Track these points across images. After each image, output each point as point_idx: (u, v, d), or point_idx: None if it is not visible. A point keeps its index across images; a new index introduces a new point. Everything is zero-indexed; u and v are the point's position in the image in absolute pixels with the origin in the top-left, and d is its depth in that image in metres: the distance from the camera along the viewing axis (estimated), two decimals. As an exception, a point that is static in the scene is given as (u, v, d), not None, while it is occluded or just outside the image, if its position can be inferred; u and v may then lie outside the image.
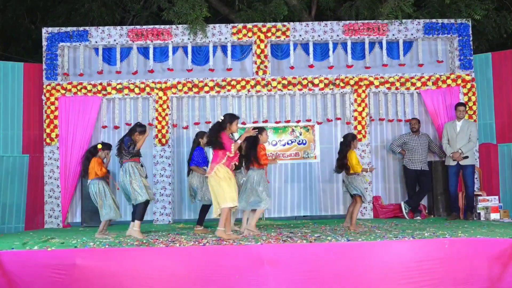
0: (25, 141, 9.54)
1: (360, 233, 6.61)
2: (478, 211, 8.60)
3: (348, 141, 7.56)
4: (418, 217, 9.01)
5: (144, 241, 6.25)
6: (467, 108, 9.18)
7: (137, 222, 6.99)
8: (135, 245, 5.93)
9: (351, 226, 7.37)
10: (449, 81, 9.52)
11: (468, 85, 9.50)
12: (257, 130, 6.83)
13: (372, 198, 9.41)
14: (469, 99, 9.43)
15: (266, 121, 9.55)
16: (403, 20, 9.57)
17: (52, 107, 9.40)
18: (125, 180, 6.99)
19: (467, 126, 8.67)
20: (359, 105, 9.52)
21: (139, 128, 7.18)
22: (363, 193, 7.45)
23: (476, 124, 8.90)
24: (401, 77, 9.55)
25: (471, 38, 9.68)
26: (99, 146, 7.46)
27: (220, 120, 6.67)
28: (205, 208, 7.90)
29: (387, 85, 9.55)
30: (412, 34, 9.66)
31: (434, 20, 9.74)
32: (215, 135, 6.55)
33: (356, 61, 9.80)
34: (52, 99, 9.41)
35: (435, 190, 9.33)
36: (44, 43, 9.58)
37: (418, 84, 9.55)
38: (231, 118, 6.72)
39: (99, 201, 7.38)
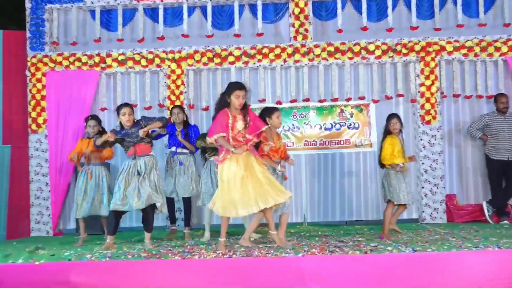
0: (6, 128, 9.68)
1: (429, 242, 6.56)
2: None
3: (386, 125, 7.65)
4: (506, 221, 8.95)
5: (155, 252, 6.31)
6: None
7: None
8: (143, 258, 5.98)
9: (383, 233, 7.46)
10: (545, 45, 9.39)
11: None
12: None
13: (444, 197, 9.33)
14: None
15: (307, 100, 9.54)
16: (485, -34, 9.47)
17: (39, 85, 9.53)
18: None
19: None
20: (427, 77, 9.42)
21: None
22: (397, 197, 7.43)
23: None
24: (482, 41, 9.42)
25: None
26: None
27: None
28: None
29: (463, 51, 9.42)
30: (496, -16, 9.56)
31: (525, -35, 9.60)
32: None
33: (423, 21, 9.72)
34: (39, 74, 9.54)
35: (528, 187, 9.23)
36: (28, 5, 9.72)
37: (504, 49, 9.40)
38: (233, 86, 6.60)
39: None
